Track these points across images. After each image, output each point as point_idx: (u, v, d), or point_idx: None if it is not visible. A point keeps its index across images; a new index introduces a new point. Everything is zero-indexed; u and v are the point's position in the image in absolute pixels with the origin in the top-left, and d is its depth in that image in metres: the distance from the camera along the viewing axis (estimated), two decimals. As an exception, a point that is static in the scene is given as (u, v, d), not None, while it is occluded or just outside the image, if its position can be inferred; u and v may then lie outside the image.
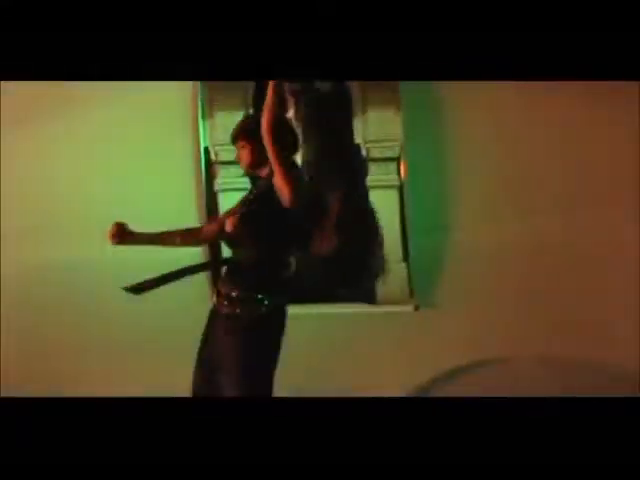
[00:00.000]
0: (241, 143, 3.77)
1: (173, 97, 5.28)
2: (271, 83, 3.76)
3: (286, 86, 4.49)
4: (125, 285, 3.95)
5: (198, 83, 5.25)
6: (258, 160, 3.75)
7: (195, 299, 4.74)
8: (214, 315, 3.85)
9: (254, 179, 4.05)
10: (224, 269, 3.99)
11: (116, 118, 5.27)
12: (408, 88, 5.21)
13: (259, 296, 3.66)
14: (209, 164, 5.27)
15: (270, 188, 3.70)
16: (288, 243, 3.79)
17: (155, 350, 5.12)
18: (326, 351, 5.07)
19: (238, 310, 3.66)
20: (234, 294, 3.67)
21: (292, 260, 3.91)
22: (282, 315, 3.78)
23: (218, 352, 3.81)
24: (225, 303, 3.71)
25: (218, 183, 5.18)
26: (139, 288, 4.00)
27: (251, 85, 5.26)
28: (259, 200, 3.67)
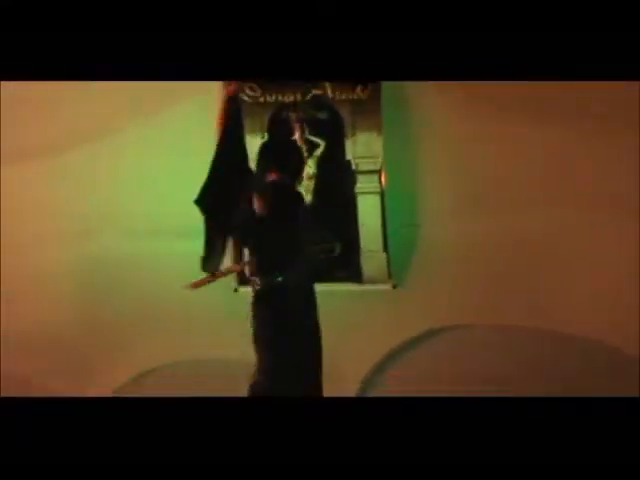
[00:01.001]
0: None
1: (209, 121, 5.50)
2: (224, 103, 4.35)
3: (292, 115, 5.69)
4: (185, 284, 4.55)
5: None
6: None
7: (223, 287, 5.17)
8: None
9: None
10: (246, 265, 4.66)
11: (155, 139, 5.77)
12: (387, 116, 5.81)
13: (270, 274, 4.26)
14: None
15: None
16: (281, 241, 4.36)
17: (192, 328, 5.66)
18: (323, 320, 5.31)
19: (258, 287, 4.30)
20: (256, 280, 4.32)
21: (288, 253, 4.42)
22: (289, 288, 4.29)
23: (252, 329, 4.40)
24: (252, 288, 4.35)
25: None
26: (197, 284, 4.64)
27: (267, 111, 5.83)
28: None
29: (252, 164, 5.21)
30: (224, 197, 4.49)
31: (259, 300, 4.45)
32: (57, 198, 5.87)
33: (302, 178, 5.72)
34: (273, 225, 4.39)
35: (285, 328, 4.43)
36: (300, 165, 4.99)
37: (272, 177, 4.64)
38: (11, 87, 5.60)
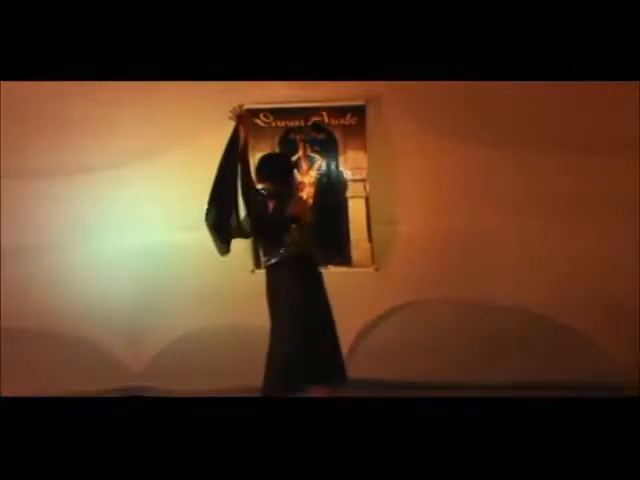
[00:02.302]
0: None
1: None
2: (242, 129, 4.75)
3: (297, 136, 6.34)
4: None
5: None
6: None
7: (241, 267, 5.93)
8: None
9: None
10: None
11: (198, 156, 6.14)
12: (371, 138, 6.32)
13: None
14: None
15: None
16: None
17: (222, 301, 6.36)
18: None
19: (271, 261, 5.00)
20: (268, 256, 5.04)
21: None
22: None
23: None
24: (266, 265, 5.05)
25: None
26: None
27: (277, 134, 6.37)
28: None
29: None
30: (223, 210, 4.92)
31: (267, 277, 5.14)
32: (120, 202, 6.50)
33: (303, 185, 6.28)
34: (261, 221, 5.12)
35: (282, 301, 4.98)
36: (286, 177, 5.25)
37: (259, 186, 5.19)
38: (78, 107, 6.27)
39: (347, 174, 6.51)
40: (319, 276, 5.07)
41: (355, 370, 6.08)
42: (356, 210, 6.49)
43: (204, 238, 5.71)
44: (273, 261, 5.06)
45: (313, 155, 6.48)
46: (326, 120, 6.44)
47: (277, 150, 6.39)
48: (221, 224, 4.95)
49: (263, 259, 5.18)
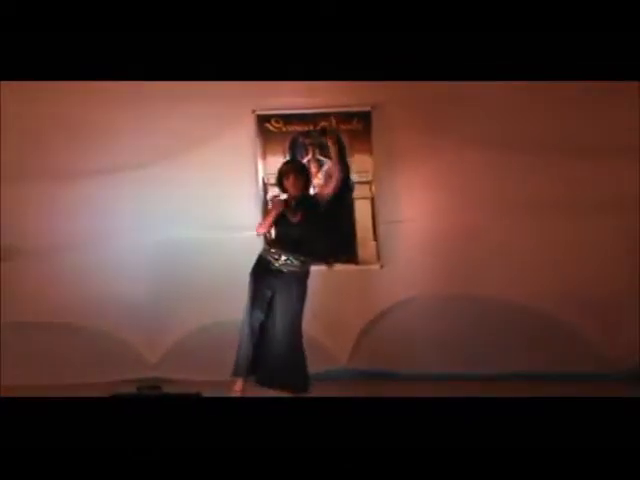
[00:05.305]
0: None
1: (245, 149, 6.67)
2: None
3: (306, 140, 6.61)
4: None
5: (258, 139, 6.49)
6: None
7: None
8: None
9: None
10: None
11: (216, 160, 6.66)
12: (376, 142, 6.59)
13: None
14: (264, 185, 6.65)
15: None
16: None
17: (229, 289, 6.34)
18: (330, 290, 6.50)
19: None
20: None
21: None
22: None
23: None
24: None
25: (268, 196, 6.47)
26: None
27: (287, 139, 6.64)
28: None
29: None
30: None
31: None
32: (140, 201, 6.73)
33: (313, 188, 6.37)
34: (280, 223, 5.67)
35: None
36: (299, 186, 5.66)
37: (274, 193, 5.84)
38: (98, 108, 6.51)
39: (354, 176, 6.70)
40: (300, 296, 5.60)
41: (361, 363, 6.68)
42: (362, 210, 6.72)
43: (220, 236, 6.52)
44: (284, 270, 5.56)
45: (322, 158, 6.65)
46: (334, 125, 6.65)
47: (288, 155, 6.68)
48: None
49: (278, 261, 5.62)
